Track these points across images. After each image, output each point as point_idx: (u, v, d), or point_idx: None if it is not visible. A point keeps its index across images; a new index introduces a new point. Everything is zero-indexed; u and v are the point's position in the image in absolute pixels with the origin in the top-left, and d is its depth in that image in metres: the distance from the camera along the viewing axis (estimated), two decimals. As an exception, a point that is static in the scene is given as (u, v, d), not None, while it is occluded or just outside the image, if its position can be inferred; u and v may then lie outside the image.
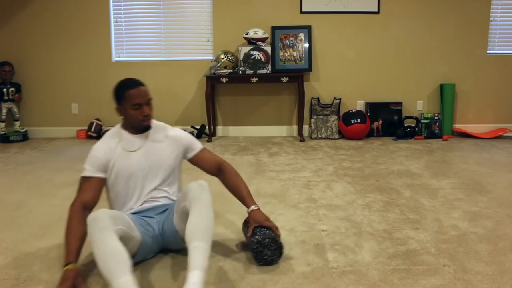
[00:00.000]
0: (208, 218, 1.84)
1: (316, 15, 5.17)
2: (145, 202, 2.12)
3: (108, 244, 1.68)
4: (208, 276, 1.92)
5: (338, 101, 5.19)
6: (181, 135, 2.23)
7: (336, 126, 5.15)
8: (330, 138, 5.15)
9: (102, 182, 2.08)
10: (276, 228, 2.08)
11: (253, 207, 2.12)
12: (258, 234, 2.02)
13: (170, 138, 2.19)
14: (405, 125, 5.17)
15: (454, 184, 3.27)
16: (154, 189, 2.14)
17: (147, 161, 2.12)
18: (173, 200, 2.20)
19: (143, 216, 2.09)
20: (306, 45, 5.12)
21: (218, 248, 2.20)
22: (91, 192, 2.01)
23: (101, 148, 2.15)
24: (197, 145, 2.26)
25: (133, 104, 2.04)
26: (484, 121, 5.34)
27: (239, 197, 2.17)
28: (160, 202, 2.15)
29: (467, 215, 2.64)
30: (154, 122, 2.19)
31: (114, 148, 2.12)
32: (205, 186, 1.95)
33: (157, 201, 2.14)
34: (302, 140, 4.98)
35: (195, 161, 2.26)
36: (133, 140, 2.13)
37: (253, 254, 2.02)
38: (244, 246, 2.22)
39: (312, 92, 5.26)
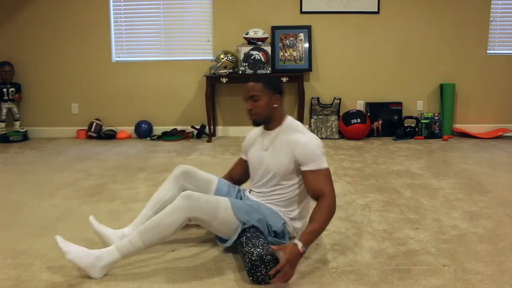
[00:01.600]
0: (160, 220, 1.93)
1: (316, 15, 5.17)
2: (254, 192, 2.26)
3: (159, 190, 2.26)
4: (209, 276, 1.92)
5: (338, 101, 5.19)
6: (304, 147, 2.04)
7: (336, 126, 5.16)
8: (330, 138, 5.15)
9: (244, 162, 2.41)
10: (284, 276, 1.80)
11: (296, 241, 1.85)
12: (261, 247, 1.88)
13: (307, 140, 2.06)
14: (405, 125, 5.17)
15: (454, 184, 3.27)
16: (267, 193, 2.19)
17: (266, 161, 2.17)
18: (274, 209, 2.13)
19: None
20: (306, 45, 5.12)
21: (219, 247, 2.20)
22: (236, 168, 2.45)
23: (249, 136, 2.38)
24: (317, 162, 2.03)
25: (243, 97, 2.20)
26: (484, 121, 5.34)
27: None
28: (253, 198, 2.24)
29: (467, 215, 2.64)
30: (292, 122, 2.16)
31: (255, 139, 2.29)
32: (186, 196, 1.95)
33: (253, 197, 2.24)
34: (302, 140, 4.97)
35: (304, 178, 2.08)
36: (265, 137, 2.21)
37: (248, 270, 1.86)
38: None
39: (312, 92, 5.26)
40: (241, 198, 2.29)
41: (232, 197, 2.27)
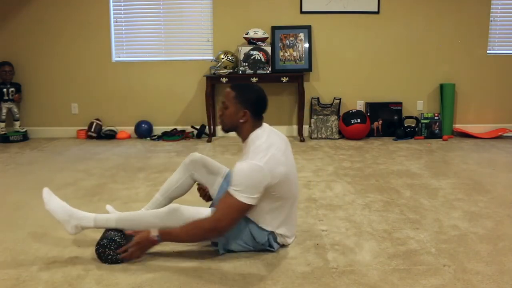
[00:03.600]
0: (141, 218, 2.08)
1: (316, 15, 5.17)
2: None
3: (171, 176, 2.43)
4: (209, 276, 1.93)
5: (338, 101, 5.19)
6: (236, 166, 1.96)
7: (336, 126, 5.15)
8: (330, 138, 5.15)
9: None
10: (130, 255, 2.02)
11: (154, 234, 2.01)
12: (101, 235, 2.08)
13: (238, 163, 1.97)
14: (405, 125, 5.17)
15: (454, 184, 3.27)
16: None
17: None
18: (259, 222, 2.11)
19: None
20: (306, 45, 5.12)
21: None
22: None
23: None
24: (234, 186, 1.93)
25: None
26: (484, 121, 5.34)
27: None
28: None
29: (467, 215, 2.64)
30: (253, 139, 2.06)
31: None
32: (172, 209, 2.03)
33: None
34: (302, 140, 4.98)
35: None
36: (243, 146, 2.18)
37: (97, 256, 2.05)
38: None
39: (312, 92, 5.26)
40: None
41: None
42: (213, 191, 2.35)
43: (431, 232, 2.39)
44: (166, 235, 2.00)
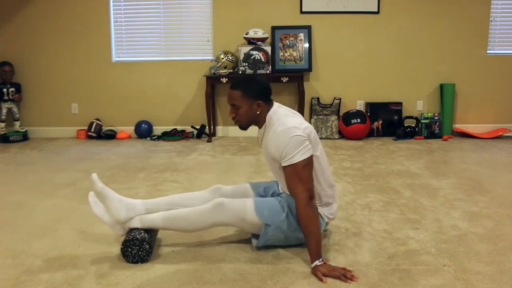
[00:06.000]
0: (188, 215, 2.07)
1: (316, 15, 5.17)
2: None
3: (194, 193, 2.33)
4: (209, 276, 1.93)
5: (338, 101, 5.19)
6: (272, 143, 2.02)
7: (336, 126, 5.15)
8: (330, 138, 5.14)
9: None
10: (344, 275, 1.88)
11: (316, 263, 1.93)
12: (127, 235, 2.07)
13: (275, 136, 2.02)
14: (405, 125, 5.17)
15: (454, 184, 3.27)
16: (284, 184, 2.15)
17: (265, 151, 2.17)
18: (283, 191, 2.19)
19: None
20: (306, 45, 5.12)
21: (219, 247, 2.20)
22: None
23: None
24: (286, 158, 1.97)
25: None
26: (484, 121, 5.34)
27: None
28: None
29: (467, 215, 2.64)
30: (271, 116, 2.09)
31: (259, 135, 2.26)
32: (217, 203, 2.06)
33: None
34: (302, 140, 4.97)
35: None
36: (259, 134, 2.22)
37: (122, 254, 2.05)
38: (244, 246, 2.22)
39: (312, 92, 5.26)
40: (278, 194, 2.28)
41: (268, 195, 2.29)
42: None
43: (431, 232, 2.39)
44: (317, 247, 1.95)
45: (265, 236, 2.10)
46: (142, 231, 2.08)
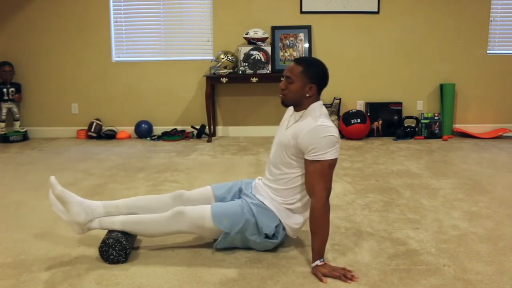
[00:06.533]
0: (147, 221, 2.08)
1: (316, 15, 5.17)
2: (265, 178, 2.20)
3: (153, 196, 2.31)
4: (209, 276, 1.93)
5: (338, 101, 5.19)
6: (307, 134, 1.97)
7: (336, 126, 5.15)
8: (330, 138, 5.14)
9: None
10: (345, 275, 1.89)
11: (317, 263, 1.94)
12: (107, 235, 2.09)
13: (313, 127, 1.98)
14: (405, 125, 5.17)
15: (454, 184, 3.27)
16: (275, 174, 2.13)
17: (283, 136, 2.11)
18: (274, 199, 2.12)
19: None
20: (306, 45, 5.12)
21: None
22: None
23: (286, 113, 2.26)
24: (316, 153, 1.95)
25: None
26: (484, 121, 5.34)
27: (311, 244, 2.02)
28: (260, 188, 2.19)
29: (467, 215, 2.64)
30: (315, 107, 2.06)
31: (287, 118, 2.20)
32: (177, 212, 2.06)
33: (262, 187, 2.19)
34: (302, 140, 4.97)
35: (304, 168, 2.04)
36: (291, 117, 2.14)
37: (99, 254, 2.06)
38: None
39: (312, 92, 5.25)
40: (239, 195, 2.25)
41: (233, 198, 2.25)
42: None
43: (431, 232, 2.39)
44: (321, 248, 1.95)
45: (224, 241, 2.11)
46: (120, 233, 2.09)
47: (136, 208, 2.20)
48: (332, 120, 5.10)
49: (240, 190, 2.28)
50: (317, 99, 2.10)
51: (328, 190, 1.97)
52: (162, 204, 2.21)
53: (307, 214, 2.12)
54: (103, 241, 2.05)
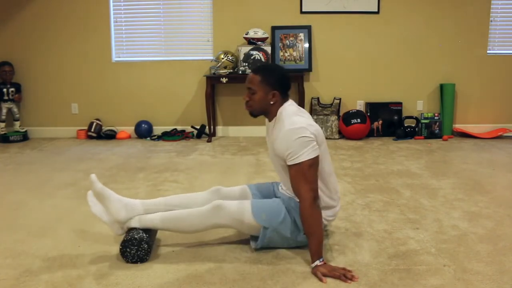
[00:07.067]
0: (186, 217, 2.08)
1: (316, 15, 5.17)
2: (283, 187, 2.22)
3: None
4: (209, 276, 1.93)
5: (338, 101, 5.19)
6: (280, 141, 2.00)
7: (336, 126, 5.15)
8: (330, 138, 5.14)
9: None
10: (345, 275, 1.89)
11: (316, 263, 1.94)
12: (128, 234, 2.08)
13: (282, 134, 2.00)
14: (405, 125, 5.17)
15: (454, 184, 3.27)
16: (286, 181, 2.14)
17: (270, 146, 2.16)
18: (282, 193, 2.19)
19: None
20: (306, 45, 5.12)
21: (219, 247, 2.20)
22: None
23: (266, 126, 2.29)
24: (292, 157, 1.96)
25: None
26: (484, 121, 5.34)
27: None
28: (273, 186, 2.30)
29: (467, 215, 2.64)
30: (282, 112, 2.06)
31: (268, 129, 2.23)
32: (216, 205, 2.07)
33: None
34: (302, 140, 4.97)
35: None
36: (268, 127, 2.18)
37: (121, 254, 2.05)
38: (244, 246, 2.22)
39: (312, 92, 5.26)
40: (274, 195, 2.28)
41: (269, 197, 2.27)
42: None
43: (431, 232, 2.39)
44: (319, 248, 1.95)
45: (263, 238, 2.10)
46: (140, 230, 2.08)
47: (174, 205, 2.21)
48: (332, 120, 5.14)
49: (275, 191, 2.31)
50: (284, 102, 2.11)
51: (314, 191, 1.96)
52: (200, 199, 2.23)
53: (333, 203, 2.16)
54: (123, 241, 2.03)
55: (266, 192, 2.32)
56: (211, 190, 2.28)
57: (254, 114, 2.14)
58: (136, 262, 2.04)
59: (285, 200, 2.14)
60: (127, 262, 2.04)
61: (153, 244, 2.19)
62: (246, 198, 2.26)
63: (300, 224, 2.08)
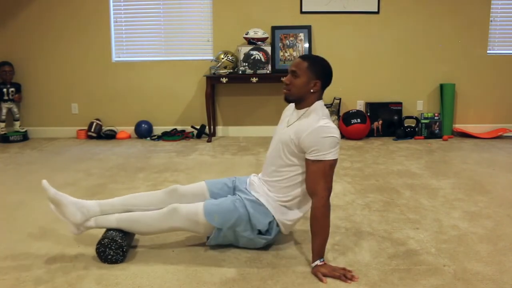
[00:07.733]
0: (142, 218, 2.10)
1: (316, 15, 5.16)
2: (262, 174, 2.22)
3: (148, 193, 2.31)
4: (209, 276, 1.93)
5: (338, 101, 5.19)
6: (310, 134, 1.97)
7: (336, 126, 5.15)
8: (330, 138, 5.14)
9: None
10: (345, 275, 1.90)
11: (317, 263, 1.95)
12: (102, 235, 2.09)
13: (314, 128, 1.97)
14: (405, 125, 5.17)
15: (454, 184, 3.27)
16: (272, 171, 2.13)
17: (282, 132, 2.12)
18: (270, 195, 2.13)
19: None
20: (306, 45, 5.12)
21: (219, 247, 2.20)
22: None
23: (286, 109, 2.29)
24: (318, 153, 1.96)
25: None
26: (484, 121, 5.34)
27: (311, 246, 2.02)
28: (256, 185, 2.19)
29: (467, 215, 2.64)
30: (318, 107, 2.06)
31: (288, 115, 2.20)
32: (172, 209, 2.08)
33: (257, 183, 2.19)
34: (302, 140, 4.97)
35: (305, 167, 2.04)
36: (293, 115, 2.14)
37: (97, 255, 2.06)
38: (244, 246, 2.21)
39: (312, 92, 5.25)
40: (233, 192, 2.25)
41: (227, 194, 2.24)
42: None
43: (431, 232, 2.39)
44: (321, 248, 1.96)
45: (216, 238, 2.12)
46: (116, 232, 2.09)
47: (132, 205, 2.21)
48: (332, 120, 5.13)
49: (235, 187, 2.28)
50: (320, 97, 2.11)
51: (329, 190, 1.98)
52: (157, 200, 2.22)
53: (301, 211, 2.15)
54: (99, 242, 2.05)
55: (225, 188, 2.28)
56: (168, 190, 2.24)
57: (289, 99, 2.12)
58: (113, 262, 2.04)
59: (246, 197, 2.13)
60: (104, 262, 2.05)
61: (130, 245, 2.18)
62: (202, 196, 2.24)
63: (255, 224, 2.08)
